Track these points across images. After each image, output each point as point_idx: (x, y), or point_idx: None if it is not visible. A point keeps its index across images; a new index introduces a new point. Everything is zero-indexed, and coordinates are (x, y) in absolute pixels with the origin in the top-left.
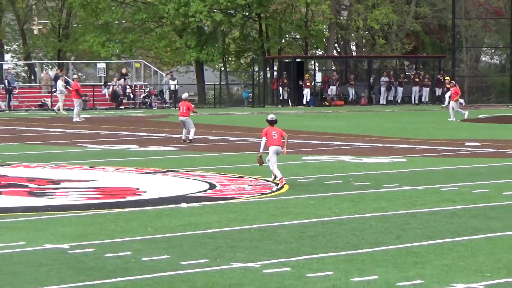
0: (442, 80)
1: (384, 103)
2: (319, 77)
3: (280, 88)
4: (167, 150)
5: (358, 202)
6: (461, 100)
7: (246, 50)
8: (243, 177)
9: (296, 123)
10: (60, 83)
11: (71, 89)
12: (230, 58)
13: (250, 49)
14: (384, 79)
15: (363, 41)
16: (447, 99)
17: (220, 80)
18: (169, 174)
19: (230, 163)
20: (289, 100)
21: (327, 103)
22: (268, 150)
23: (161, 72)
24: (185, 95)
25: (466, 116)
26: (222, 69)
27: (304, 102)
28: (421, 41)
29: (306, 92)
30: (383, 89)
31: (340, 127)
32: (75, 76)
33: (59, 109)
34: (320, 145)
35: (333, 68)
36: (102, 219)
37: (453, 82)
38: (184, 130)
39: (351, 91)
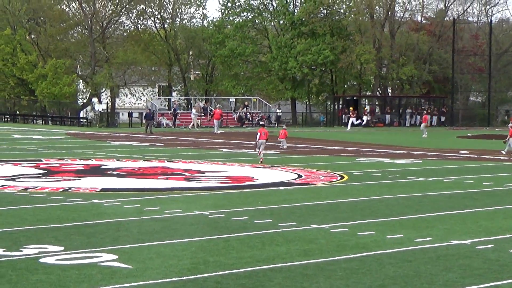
0: (445, 111)
1: (409, 125)
2: (367, 108)
3: (343, 115)
4: (272, 152)
5: (391, 187)
6: (423, 125)
7: (323, 91)
8: (319, 170)
9: (352, 137)
10: (193, 111)
11: (214, 113)
12: (312, 96)
13: (325, 91)
14: (408, 110)
15: (396, 86)
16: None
17: (305, 109)
18: (273, 168)
19: (311, 161)
20: (348, 123)
21: (372, 125)
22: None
23: (269, 104)
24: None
25: (424, 136)
26: (307, 103)
27: (349, 128)
28: (432, 87)
29: (351, 120)
30: (408, 116)
31: (380, 140)
32: (218, 105)
33: (193, 126)
34: (368, 151)
35: (376, 103)
36: (230, 196)
37: (425, 111)
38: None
39: (388, 117)
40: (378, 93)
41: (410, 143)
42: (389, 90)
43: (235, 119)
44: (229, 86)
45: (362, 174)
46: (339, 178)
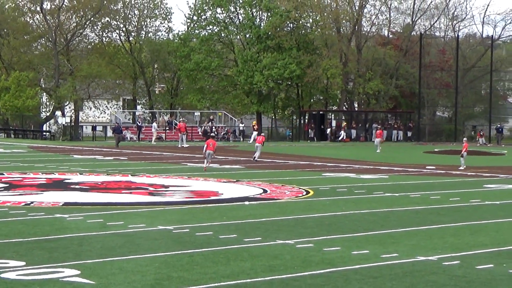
0: (412, 126)
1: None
2: (333, 123)
3: (310, 130)
4: (237, 167)
5: (357, 203)
6: (378, 140)
7: (288, 106)
8: (284, 185)
9: (319, 152)
10: (153, 124)
11: (179, 127)
12: (278, 111)
13: (291, 105)
14: (375, 125)
15: (362, 101)
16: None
17: (271, 124)
18: (238, 183)
19: (276, 176)
20: (315, 138)
21: (342, 141)
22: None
23: (234, 118)
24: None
25: (378, 151)
26: (273, 117)
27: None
28: (399, 101)
29: (328, 131)
30: (374, 131)
31: (346, 155)
32: (181, 119)
33: (154, 140)
34: (334, 166)
35: (343, 117)
36: (195, 211)
37: (378, 127)
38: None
39: (354, 132)
40: (344, 107)
41: (377, 158)
42: (356, 105)
43: (200, 133)
44: (195, 100)
45: (328, 189)
46: (304, 193)
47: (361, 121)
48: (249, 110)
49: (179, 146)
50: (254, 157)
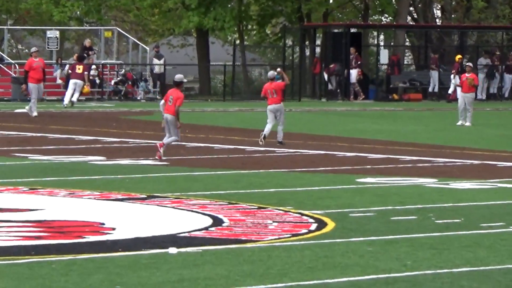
0: None
1: (484, 97)
2: (384, 56)
3: (325, 73)
4: (150, 164)
5: (442, 249)
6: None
7: (275, 14)
8: (265, 208)
9: (349, 126)
10: None
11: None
12: (250, 26)
13: (281, 12)
14: (483, 61)
15: (453, 2)
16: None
17: (233, 59)
18: (152, 201)
19: (246, 186)
20: (339, 92)
21: (396, 97)
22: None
23: (144, 46)
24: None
25: (466, 123)
26: (237, 42)
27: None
28: None
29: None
30: (482, 76)
31: (416, 134)
32: (33, 50)
33: None
34: (384, 160)
35: (407, 42)
36: (47, 271)
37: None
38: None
39: (434, 79)
40: (410, 19)
41: (489, 142)
42: (438, 13)
43: (59, 81)
44: (46, 1)
45: (370, 217)
46: (312, 227)
47: (451, 53)
48: (180, 26)
49: (31, 112)
50: (279, 140)
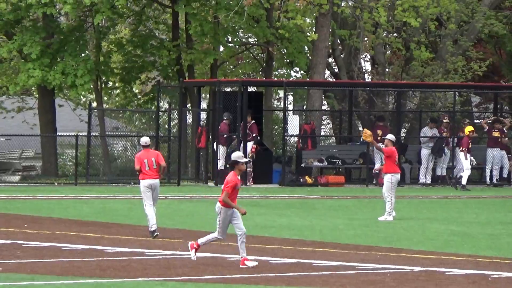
0: None
1: (428, 181)
2: (293, 125)
3: (215, 145)
4: None
5: None
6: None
7: (145, 67)
8: None
9: (246, 220)
10: None
11: None
12: (111, 83)
13: (153, 64)
14: (427, 131)
15: (387, 52)
16: None
17: (89, 127)
18: None
19: None
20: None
21: (309, 180)
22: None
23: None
24: (144, 140)
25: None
26: (94, 104)
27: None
28: (508, 54)
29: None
30: (426, 152)
31: (337, 231)
32: None
33: None
34: (294, 266)
35: (325, 106)
36: None
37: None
38: (149, 216)
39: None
40: (328, 74)
41: (439, 241)
42: (366, 66)
43: None
44: None
45: None
46: None
47: (384, 120)
48: (15, 82)
49: None
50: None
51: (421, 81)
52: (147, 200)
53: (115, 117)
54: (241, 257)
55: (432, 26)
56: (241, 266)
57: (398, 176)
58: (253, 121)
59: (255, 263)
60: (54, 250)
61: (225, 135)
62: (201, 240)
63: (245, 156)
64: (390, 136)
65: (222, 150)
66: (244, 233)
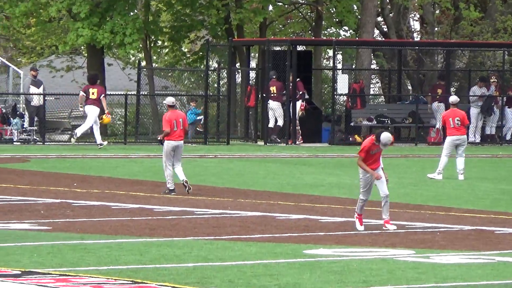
0: None
1: (477, 140)
2: (343, 84)
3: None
4: (25, 229)
5: None
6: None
7: (194, 26)
8: None
9: (295, 179)
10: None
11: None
12: (160, 42)
13: (203, 23)
14: (477, 90)
15: (437, 11)
16: None
17: (138, 86)
18: (28, 279)
19: (155, 260)
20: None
21: (359, 139)
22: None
23: (16, 69)
24: (171, 100)
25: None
26: (143, 63)
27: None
28: None
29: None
30: (475, 111)
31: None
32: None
33: None
34: (343, 225)
35: (374, 65)
36: None
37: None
38: (168, 171)
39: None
40: (378, 33)
41: (485, 199)
42: (415, 25)
43: None
44: None
45: None
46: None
47: (432, 79)
48: (65, 42)
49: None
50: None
51: (470, 40)
52: (168, 161)
53: (164, 76)
54: (383, 219)
55: None
56: (383, 228)
57: (450, 138)
58: (298, 79)
59: (394, 227)
60: (104, 209)
61: (275, 94)
62: (356, 210)
63: (295, 115)
64: (452, 99)
65: (275, 105)
66: (386, 195)
